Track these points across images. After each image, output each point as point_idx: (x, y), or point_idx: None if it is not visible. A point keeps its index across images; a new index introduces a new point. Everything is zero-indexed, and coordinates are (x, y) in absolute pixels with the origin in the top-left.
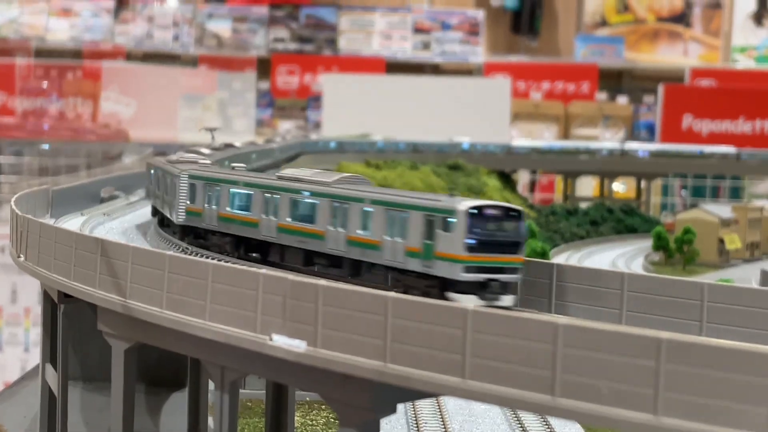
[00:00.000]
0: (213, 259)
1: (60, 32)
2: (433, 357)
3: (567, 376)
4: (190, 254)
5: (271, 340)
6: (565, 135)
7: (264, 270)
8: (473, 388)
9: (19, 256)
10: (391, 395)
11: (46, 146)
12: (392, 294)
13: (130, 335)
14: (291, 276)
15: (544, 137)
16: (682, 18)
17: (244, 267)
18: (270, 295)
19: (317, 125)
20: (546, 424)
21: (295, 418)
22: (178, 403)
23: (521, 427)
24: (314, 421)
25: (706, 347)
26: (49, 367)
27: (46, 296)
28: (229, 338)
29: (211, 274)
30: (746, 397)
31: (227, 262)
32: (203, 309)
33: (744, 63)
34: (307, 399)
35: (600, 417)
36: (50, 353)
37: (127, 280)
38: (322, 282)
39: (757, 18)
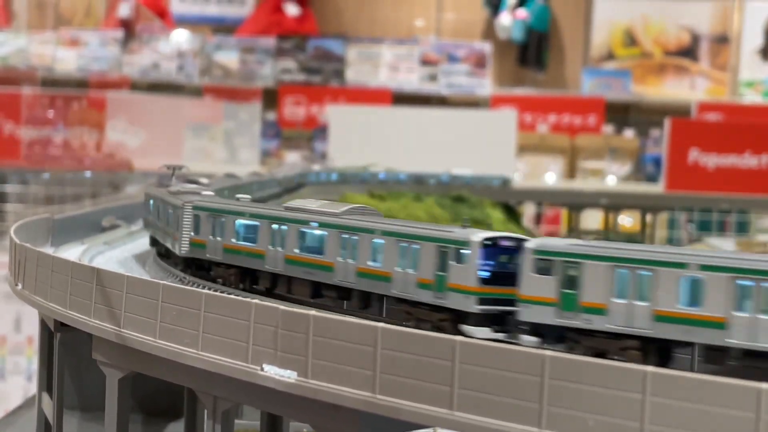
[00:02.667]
0: (209, 289)
1: (67, 62)
2: (421, 388)
3: (554, 408)
4: (187, 284)
5: (262, 370)
6: (572, 168)
7: (256, 300)
8: (461, 419)
9: (17, 285)
10: (380, 426)
11: (47, 175)
12: (381, 324)
13: (124, 364)
14: (282, 306)
15: (549, 170)
16: (689, 52)
17: (237, 297)
18: (262, 325)
19: (323, 156)
20: None
21: None
22: None
23: None
24: None
25: (691, 380)
26: (45, 396)
27: (43, 325)
28: (220, 368)
29: (204, 303)
30: (730, 431)
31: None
32: (196, 338)
33: (751, 97)
34: (304, 431)
35: None
36: (47, 382)
37: (122, 309)
38: (313, 312)
39: (765, 53)
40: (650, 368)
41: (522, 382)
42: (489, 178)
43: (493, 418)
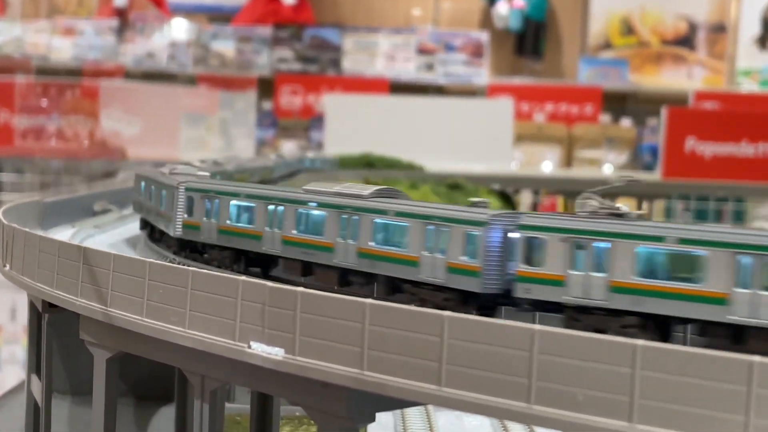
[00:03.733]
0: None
1: (63, 51)
2: (409, 364)
3: (543, 383)
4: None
5: (249, 347)
6: (569, 157)
7: (243, 277)
8: (449, 395)
9: (4, 266)
10: (369, 403)
11: (41, 162)
12: (369, 300)
13: (111, 344)
14: (270, 283)
15: (547, 159)
16: (686, 41)
17: (224, 274)
18: (249, 302)
19: (320, 145)
20: None
21: (284, 431)
22: (167, 417)
23: None
24: None
25: (681, 354)
26: (34, 378)
27: (31, 306)
28: (208, 346)
29: (191, 281)
30: (722, 405)
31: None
32: (183, 316)
33: (748, 86)
34: (297, 414)
35: (575, 424)
36: (36, 364)
37: (109, 288)
38: (301, 289)
39: (762, 42)
40: (640, 342)
41: (511, 357)
42: None
43: (481, 393)
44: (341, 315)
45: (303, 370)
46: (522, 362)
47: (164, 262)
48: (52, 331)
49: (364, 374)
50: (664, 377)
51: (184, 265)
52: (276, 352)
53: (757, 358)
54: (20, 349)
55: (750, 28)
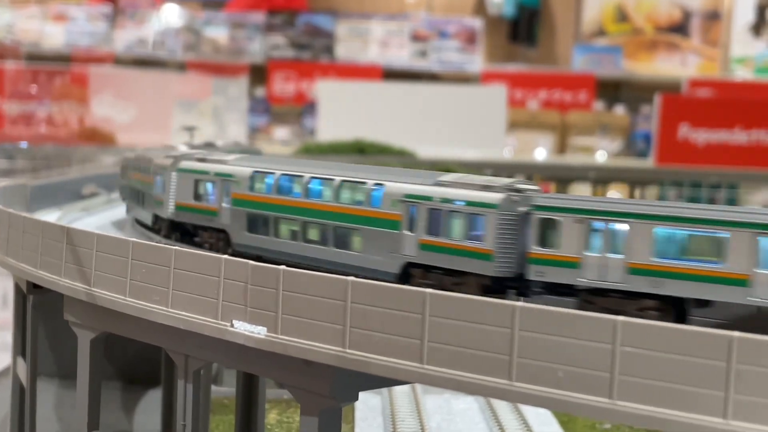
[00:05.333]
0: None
1: (55, 37)
2: (392, 342)
3: (524, 359)
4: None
5: (232, 326)
6: (562, 144)
7: (225, 256)
8: (431, 372)
9: None
10: (351, 381)
11: (24, 146)
12: (351, 278)
13: (95, 324)
14: (252, 261)
15: (540, 146)
16: (680, 28)
17: (206, 252)
18: (231, 280)
19: (312, 132)
20: (524, 423)
21: (272, 416)
22: (155, 400)
23: (499, 426)
24: (290, 419)
25: (661, 330)
26: (20, 361)
27: (17, 288)
28: (190, 325)
29: (174, 259)
30: (701, 381)
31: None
32: (165, 296)
33: (742, 74)
34: (284, 397)
35: (556, 401)
36: (21, 346)
37: (92, 268)
38: (283, 267)
39: (756, 29)
40: (620, 318)
41: (492, 334)
42: None
43: (463, 371)
44: (323, 293)
45: (285, 348)
46: (503, 339)
47: (147, 242)
48: (37, 312)
49: (347, 352)
50: (645, 353)
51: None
52: (258, 331)
53: (736, 333)
54: (10, 336)
55: (744, 16)
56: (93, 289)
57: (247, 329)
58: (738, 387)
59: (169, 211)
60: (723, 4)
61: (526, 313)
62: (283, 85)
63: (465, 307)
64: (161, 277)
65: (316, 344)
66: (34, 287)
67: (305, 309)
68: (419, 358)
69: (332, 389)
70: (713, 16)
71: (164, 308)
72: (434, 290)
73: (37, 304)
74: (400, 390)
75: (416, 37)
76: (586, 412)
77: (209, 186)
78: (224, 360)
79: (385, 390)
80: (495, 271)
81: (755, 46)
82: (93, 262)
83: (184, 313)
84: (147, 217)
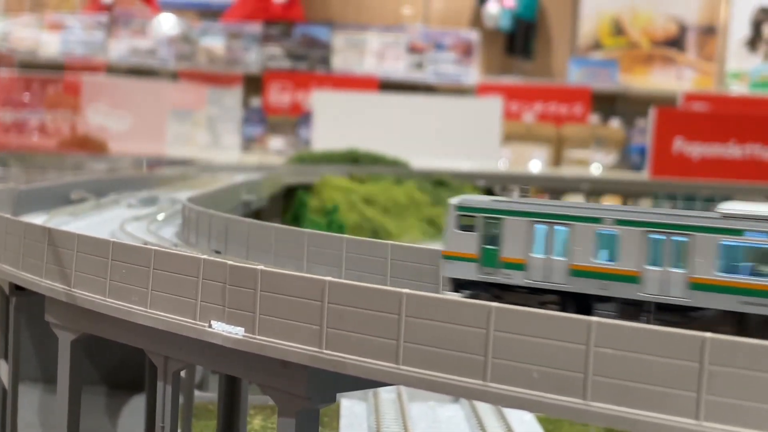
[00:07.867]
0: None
1: (51, 46)
2: (368, 342)
3: (499, 360)
4: None
5: (210, 327)
6: (557, 157)
7: (204, 256)
8: (407, 372)
9: None
10: (328, 383)
11: (26, 156)
12: (329, 278)
13: (75, 326)
14: (231, 261)
15: (535, 158)
16: (676, 42)
17: (185, 253)
18: (210, 281)
19: (308, 142)
20: (509, 431)
21: (256, 421)
22: (138, 406)
23: None
24: (275, 425)
25: (635, 330)
26: (2, 363)
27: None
28: (169, 326)
29: (153, 260)
30: (674, 382)
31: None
32: (145, 296)
33: (737, 88)
34: (269, 403)
35: (531, 401)
36: (3, 348)
37: (72, 269)
38: (261, 267)
39: (752, 44)
40: (595, 319)
41: (467, 335)
42: None
43: (438, 371)
44: (301, 293)
45: (262, 349)
46: (478, 339)
47: (127, 242)
48: (20, 314)
49: (323, 352)
50: (618, 354)
51: None
52: (236, 331)
53: (708, 334)
54: None
55: (739, 31)
56: (73, 289)
57: (225, 330)
58: (710, 388)
59: None
60: (719, 18)
61: (501, 314)
62: (279, 96)
63: (441, 308)
64: (140, 278)
65: (293, 344)
66: (17, 289)
67: (283, 309)
68: (395, 359)
69: (309, 390)
70: (709, 31)
71: (143, 309)
72: (410, 290)
73: (19, 305)
74: (385, 397)
75: (413, 49)
76: (560, 413)
77: None
78: (203, 361)
79: (370, 397)
80: None
81: (751, 61)
82: (74, 263)
83: (162, 313)
84: None
